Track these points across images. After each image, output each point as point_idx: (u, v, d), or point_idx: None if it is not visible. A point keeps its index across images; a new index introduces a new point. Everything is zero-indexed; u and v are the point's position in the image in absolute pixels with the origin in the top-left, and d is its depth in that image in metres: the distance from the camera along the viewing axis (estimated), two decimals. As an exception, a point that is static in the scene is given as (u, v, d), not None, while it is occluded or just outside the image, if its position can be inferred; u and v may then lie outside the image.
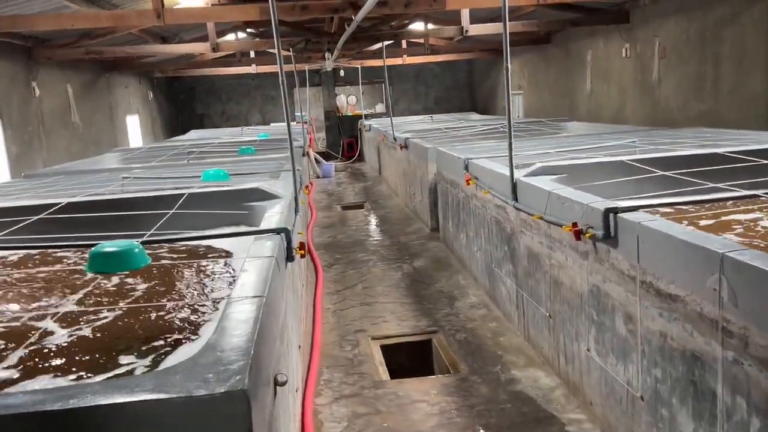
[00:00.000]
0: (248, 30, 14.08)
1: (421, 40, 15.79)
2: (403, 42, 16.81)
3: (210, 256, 3.02)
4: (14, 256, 3.13)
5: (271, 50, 15.80)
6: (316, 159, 15.84)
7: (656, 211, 3.19)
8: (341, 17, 10.29)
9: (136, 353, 1.92)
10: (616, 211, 3.16)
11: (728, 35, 8.50)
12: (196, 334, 2.01)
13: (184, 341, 1.99)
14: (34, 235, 3.40)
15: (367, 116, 19.10)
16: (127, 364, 1.83)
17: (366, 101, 21.47)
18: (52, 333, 2.09)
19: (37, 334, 2.07)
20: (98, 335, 2.07)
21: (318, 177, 15.66)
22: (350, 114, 21.28)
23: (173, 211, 3.90)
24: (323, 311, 5.88)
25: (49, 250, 3.09)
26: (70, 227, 3.71)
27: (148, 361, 1.85)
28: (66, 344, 2.00)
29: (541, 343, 4.46)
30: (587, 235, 3.34)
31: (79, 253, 3.11)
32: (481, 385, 4.24)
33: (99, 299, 2.41)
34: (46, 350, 1.95)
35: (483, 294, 5.95)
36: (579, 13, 11.23)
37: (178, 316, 2.22)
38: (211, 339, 1.88)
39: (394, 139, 11.05)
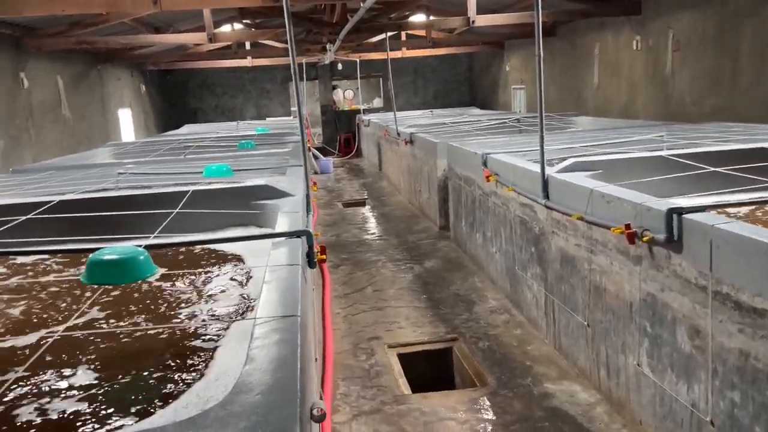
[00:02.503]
0: (244, 21, 13.65)
1: (423, 33, 15.41)
2: (403, 35, 16.44)
3: (226, 263, 2.65)
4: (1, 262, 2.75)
5: (267, 41, 15.38)
6: (313, 155, 15.45)
7: (724, 211, 2.85)
8: (344, 7, 9.91)
9: (150, 392, 1.56)
10: (680, 211, 2.82)
11: (748, 29, 8.18)
12: (226, 367, 1.64)
13: (207, 375, 1.62)
14: (23, 239, 3.02)
15: (365, 111, 18.70)
16: (145, 405, 1.47)
17: (363, 96, 21.07)
18: (58, 365, 1.72)
19: (37, 364, 1.70)
20: (111, 367, 1.70)
21: (316, 173, 15.26)
22: (347, 109, 20.87)
23: (177, 210, 3.52)
24: (332, 316, 5.52)
25: (40, 257, 2.72)
26: (63, 229, 3.33)
27: (168, 405, 1.49)
28: (79, 380, 1.63)
29: (576, 353, 4.12)
30: (645, 238, 2.99)
31: (75, 259, 2.74)
32: (513, 400, 3.89)
33: (101, 320, 2.04)
34: (53, 388, 1.58)
35: (503, 298, 5.60)
36: (589, 4, 10.89)
37: (197, 342, 1.85)
38: (245, 373, 1.51)
39: (398, 134, 10.69)
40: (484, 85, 19.98)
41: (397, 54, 17.12)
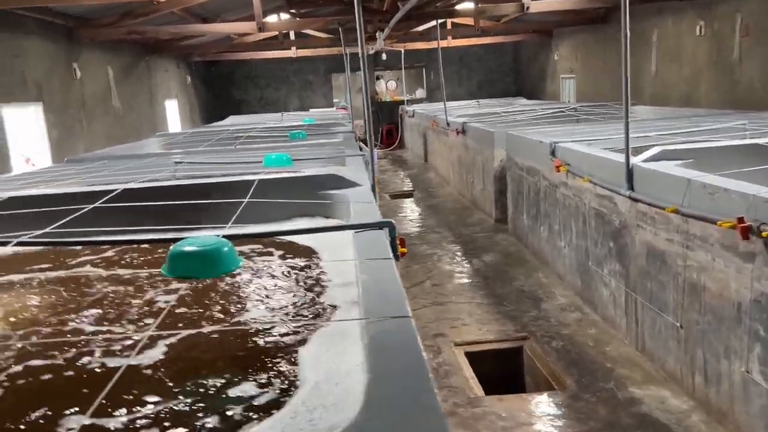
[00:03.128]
0: (291, 11, 13.52)
1: (469, 21, 15.06)
2: (449, 23, 16.11)
3: (310, 255, 2.46)
4: (76, 253, 2.62)
5: (312, 32, 15.25)
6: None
7: None
8: (395, -6, 9.67)
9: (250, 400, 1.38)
10: (810, 204, 2.52)
11: (828, 8, 7.67)
12: (337, 374, 1.45)
13: (307, 383, 1.43)
14: (93, 228, 2.90)
15: (408, 102, 18.44)
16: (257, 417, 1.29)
17: (405, 86, 20.81)
18: (151, 370, 1.55)
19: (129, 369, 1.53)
20: (207, 370, 1.53)
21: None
22: (390, 100, 20.64)
23: (247, 199, 3.35)
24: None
25: (116, 247, 2.58)
26: (132, 217, 3.20)
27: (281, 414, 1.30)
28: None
29: (664, 356, 3.83)
30: (764, 233, 2.70)
31: (152, 251, 2.59)
32: (597, 405, 3.64)
33: (189, 319, 1.87)
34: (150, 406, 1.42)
35: (573, 295, 5.33)
36: (649, -11, 10.42)
37: (295, 344, 1.66)
38: (369, 384, 1.32)
39: (448, 123, 10.43)
40: (531, 75, 19.51)
41: (443, 43, 16.79)
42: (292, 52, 16.66)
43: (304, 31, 15.70)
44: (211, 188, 3.75)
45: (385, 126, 20.10)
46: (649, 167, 3.84)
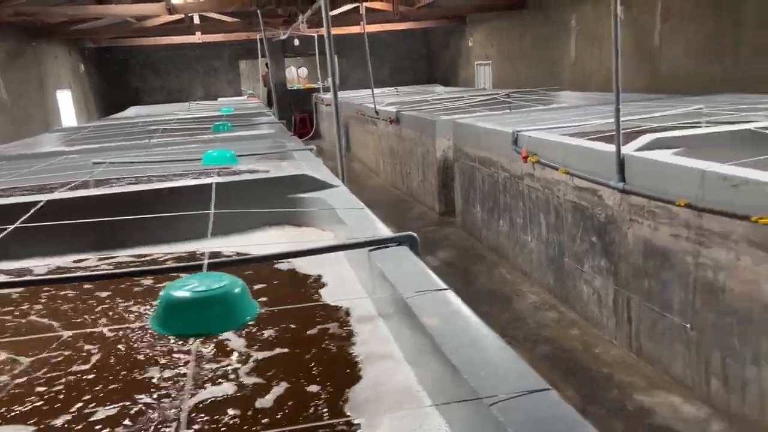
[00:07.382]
0: (197, -8, 12.51)
1: (385, 6, 14.65)
2: (361, 8, 15.61)
3: (313, 285, 1.95)
4: (10, 300, 1.95)
5: (217, 16, 14.28)
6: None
7: None
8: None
9: None
10: None
11: (749, -6, 7.87)
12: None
13: None
14: (24, 258, 2.22)
15: (323, 89, 17.80)
16: None
17: (313, 74, 20.11)
18: None
19: None
20: None
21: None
22: (302, 87, 19.91)
23: (213, 210, 2.75)
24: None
25: (66, 289, 1.94)
26: (74, 241, 2.53)
27: None
28: None
29: (669, 359, 3.60)
30: (820, 231, 2.46)
31: (116, 287, 1.97)
32: (612, 420, 3.35)
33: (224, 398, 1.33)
34: None
35: (544, 292, 5.06)
36: (570, -27, 10.41)
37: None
38: None
39: (377, 112, 9.96)
40: (443, 62, 19.40)
41: (355, 29, 16.28)
42: (197, 38, 15.57)
43: (209, 15, 14.70)
44: (159, 196, 3.10)
45: (298, 115, 19.34)
46: (646, 157, 3.58)
